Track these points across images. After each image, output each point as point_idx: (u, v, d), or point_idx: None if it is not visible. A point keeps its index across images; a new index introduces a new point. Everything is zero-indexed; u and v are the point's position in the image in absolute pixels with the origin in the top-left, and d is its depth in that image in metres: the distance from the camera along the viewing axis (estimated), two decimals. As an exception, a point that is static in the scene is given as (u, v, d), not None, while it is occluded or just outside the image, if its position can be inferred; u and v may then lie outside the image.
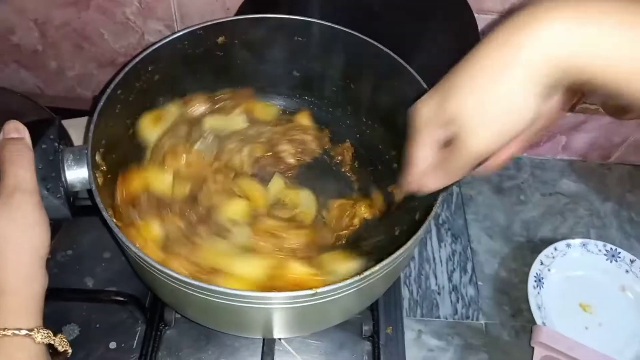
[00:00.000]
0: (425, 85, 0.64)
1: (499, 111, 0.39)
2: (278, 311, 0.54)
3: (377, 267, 0.51)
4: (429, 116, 0.44)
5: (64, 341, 0.46)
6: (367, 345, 0.74)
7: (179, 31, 0.65)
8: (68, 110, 0.84)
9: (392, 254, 0.52)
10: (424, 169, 0.47)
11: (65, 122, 0.77)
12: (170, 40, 0.65)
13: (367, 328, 0.73)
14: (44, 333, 0.44)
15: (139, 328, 0.72)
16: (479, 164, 0.44)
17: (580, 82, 0.37)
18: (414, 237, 0.54)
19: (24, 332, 0.43)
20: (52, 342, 0.45)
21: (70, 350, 0.47)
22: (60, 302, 0.71)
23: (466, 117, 0.40)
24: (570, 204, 0.97)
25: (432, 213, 0.56)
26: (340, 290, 0.51)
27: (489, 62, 0.39)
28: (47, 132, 0.54)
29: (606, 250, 0.87)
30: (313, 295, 0.49)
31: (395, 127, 0.73)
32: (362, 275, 0.50)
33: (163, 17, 0.80)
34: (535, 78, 0.37)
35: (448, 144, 0.44)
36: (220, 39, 0.70)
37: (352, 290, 0.52)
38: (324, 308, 0.55)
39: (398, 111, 0.70)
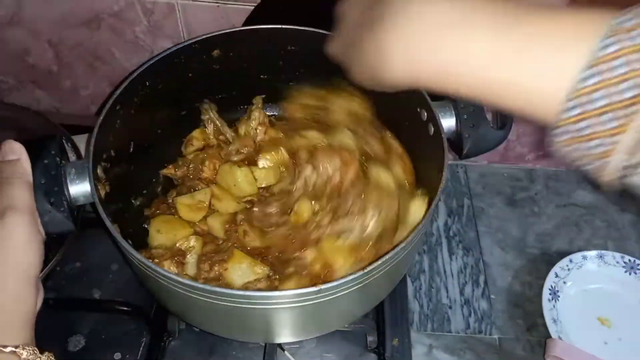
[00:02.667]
0: (425, 93, 0.64)
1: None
2: (281, 311, 0.54)
3: (379, 262, 0.51)
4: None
5: (51, 359, 0.46)
6: (373, 358, 0.73)
7: (174, 46, 0.67)
8: (83, 128, 0.86)
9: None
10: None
11: (77, 138, 0.80)
12: (166, 55, 0.67)
13: (372, 339, 0.72)
14: (30, 350, 0.44)
15: (144, 339, 0.72)
16: None
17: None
18: (416, 230, 0.54)
19: (9, 349, 0.43)
20: (38, 359, 0.44)
21: None
22: (66, 313, 0.72)
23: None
24: (587, 215, 0.94)
25: (435, 201, 0.56)
26: (344, 287, 0.51)
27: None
28: (48, 147, 0.55)
29: (624, 262, 0.85)
30: (317, 292, 0.49)
31: (399, 135, 0.73)
32: (366, 270, 0.50)
33: (171, 34, 0.83)
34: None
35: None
36: (215, 52, 0.71)
37: (356, 287, 0.52)
38: (326, 308, 0.55)
39: (399, 120, 0.71)
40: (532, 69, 0.34)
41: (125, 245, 0.53)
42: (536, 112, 0.36)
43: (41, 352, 0.45)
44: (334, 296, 0.51)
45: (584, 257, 0.85)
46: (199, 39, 0.68)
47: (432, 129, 0.63)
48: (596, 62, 0.31)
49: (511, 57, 0.35)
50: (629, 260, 0.84)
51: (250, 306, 0.51)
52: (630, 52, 0.30)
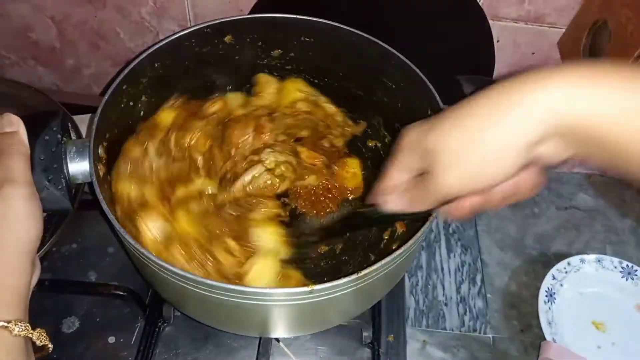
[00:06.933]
0: (436, 94, 0.63)
1: (479, 156, 0.40)
2: (275, 308, 0.54)
3: (374, 267, 0.50)
4: (412, 141, 0.45)
5: (42, 335, 0.44)
6: (367, 353, 0.72)
7: (186, 29, 0.65)
8: (84, 107, 0.85)
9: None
10: (392, 188, 0.49)
11: (78, 118, 0.79)
12: (177, 38, 0.66)
13: (367, 334, 0.72)
14: (22, 326, 0.43)
15: (139, 324, 0.72)
16: (445, 203, 0.45)
17: (575, 149, 0.39)
18: (414, 238, 0.53)
19: (0, 323, 0.42)
20: (30, 335, 0.43)
21: (50, 345, 0.45)
22: (61, 294, 0.72)
23: (444, 153, 0.42)
24: (587, 219, 0.94)
25: (434, 214, 0.55)
26: (337, 289, 0.50)
27: (484, 111, 0.40)
28: (50, 123, 0.54)
29: (622, 267, 0.84)
30: (309, 292, 0.49)
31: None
32: (359, 274, 0.50)
33: (177, 17, 0.81)
34: (528, 136, 0.38)
35: (422, 173, 0.45)
36: (228, 38, 0.70)
37: (349, 290, 0.51)
38: (321, 307, 0.55)
39: (407, 120, 0.71)
40: None
41: (119, 228, 0.52)
42: None
43: (33, 329, 0.44)
44: (328, 296, 0.51)
45: (582, 261, 0.85)
46: (211, 23, 0.67)
47: None
48: None
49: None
50: (627, 265, 0.84)
51: (243, 300, 0.51)
52: None
